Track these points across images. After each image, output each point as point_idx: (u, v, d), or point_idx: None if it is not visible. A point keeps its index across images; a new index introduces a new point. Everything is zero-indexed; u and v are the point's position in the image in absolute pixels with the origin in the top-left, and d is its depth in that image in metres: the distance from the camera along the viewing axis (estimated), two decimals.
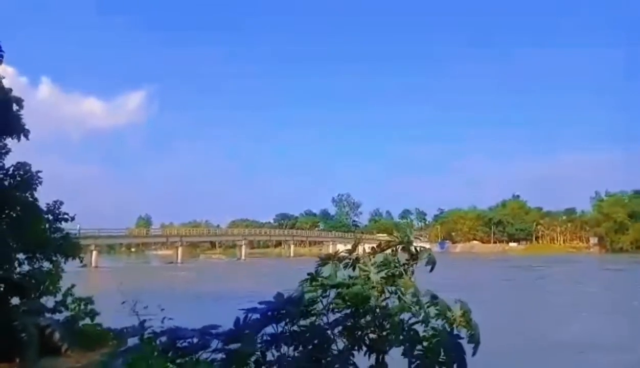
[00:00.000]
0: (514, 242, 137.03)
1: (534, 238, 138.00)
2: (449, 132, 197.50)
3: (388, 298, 1.71)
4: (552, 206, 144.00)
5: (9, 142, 6.51)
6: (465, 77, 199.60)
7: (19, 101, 6.27)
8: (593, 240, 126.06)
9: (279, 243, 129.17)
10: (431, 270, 1.70)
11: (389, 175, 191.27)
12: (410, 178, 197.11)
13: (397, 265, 1.76)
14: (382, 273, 1.74)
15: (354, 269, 1.81)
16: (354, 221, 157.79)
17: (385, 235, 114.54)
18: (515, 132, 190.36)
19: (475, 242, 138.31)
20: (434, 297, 1.66)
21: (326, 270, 1.89)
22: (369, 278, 1.78)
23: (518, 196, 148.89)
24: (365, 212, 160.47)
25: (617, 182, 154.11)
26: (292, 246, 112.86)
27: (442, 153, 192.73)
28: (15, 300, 6.85)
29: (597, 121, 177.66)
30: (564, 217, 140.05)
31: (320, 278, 1.90)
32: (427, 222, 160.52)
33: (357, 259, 1.80)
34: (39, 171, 6.39)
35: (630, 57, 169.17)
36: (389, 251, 1.74)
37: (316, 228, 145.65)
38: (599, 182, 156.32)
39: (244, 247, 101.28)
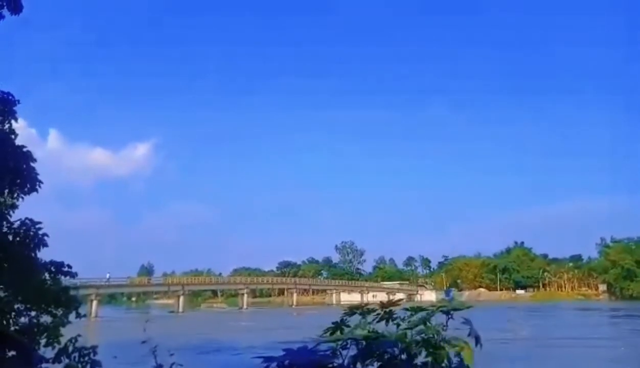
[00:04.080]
0: (521, 289, 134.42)
1: (540, 286, 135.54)
2: (450, 180, 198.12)
3: (422, 366, 1.51)
4: (557, 253, 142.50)
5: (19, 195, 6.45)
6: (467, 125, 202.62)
7: (30, 156, 6.26)
8: (602, 288, 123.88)
9: (281, 292, 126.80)
10: (477, 344, 1.50)
11: (393, 223, 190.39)
12: (413, 225, 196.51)
13: (434, 330, 1.57)
14: (421, 335, 1.55)
15: (387, 323, 1.64)
16: (357, 269, 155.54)
17: (390, 282, 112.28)
18: (518, 178, 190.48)
19: (482, 289, 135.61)
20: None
21: (353, 321, 1.73)
22: (405, 334, 1.60)
23: (522, 243, 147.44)
24: (369, 259, 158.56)
25: (622, 228, 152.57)
26: (295, 295, 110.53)
27: (444, 200, 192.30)
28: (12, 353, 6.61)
29: (597, 167, 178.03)
30: (570, 264, 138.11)
31: (345, 328, 1.73)
32: (431, 270, 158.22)
33: (390, 312, 1.63)
34: (45, 234, 6.24)
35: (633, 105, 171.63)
36: (425, 313, 1.56)
37: (319, 276, 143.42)
38: (604, 228, 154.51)
39: (246, 296, 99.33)
